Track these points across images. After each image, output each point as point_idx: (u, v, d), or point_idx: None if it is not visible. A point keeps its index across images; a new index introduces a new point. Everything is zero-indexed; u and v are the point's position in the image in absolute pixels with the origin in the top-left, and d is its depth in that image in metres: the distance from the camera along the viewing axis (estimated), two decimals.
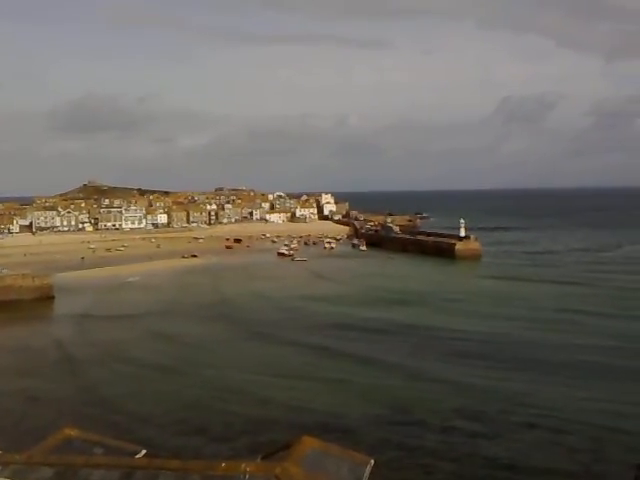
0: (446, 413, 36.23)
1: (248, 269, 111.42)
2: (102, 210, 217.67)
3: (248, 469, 11.35)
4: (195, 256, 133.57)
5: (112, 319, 69.37)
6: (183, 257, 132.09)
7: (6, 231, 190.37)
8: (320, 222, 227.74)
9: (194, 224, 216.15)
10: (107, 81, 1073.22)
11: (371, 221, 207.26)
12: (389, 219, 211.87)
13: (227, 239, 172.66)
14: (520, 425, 34.17)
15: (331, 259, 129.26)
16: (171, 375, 46.12)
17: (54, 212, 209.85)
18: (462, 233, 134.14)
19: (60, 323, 69.29)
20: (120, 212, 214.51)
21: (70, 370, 48.71)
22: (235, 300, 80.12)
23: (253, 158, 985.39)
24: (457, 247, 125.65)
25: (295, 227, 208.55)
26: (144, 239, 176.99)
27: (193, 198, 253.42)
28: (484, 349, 51.26)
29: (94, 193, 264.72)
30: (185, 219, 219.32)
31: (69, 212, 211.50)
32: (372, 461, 12.96)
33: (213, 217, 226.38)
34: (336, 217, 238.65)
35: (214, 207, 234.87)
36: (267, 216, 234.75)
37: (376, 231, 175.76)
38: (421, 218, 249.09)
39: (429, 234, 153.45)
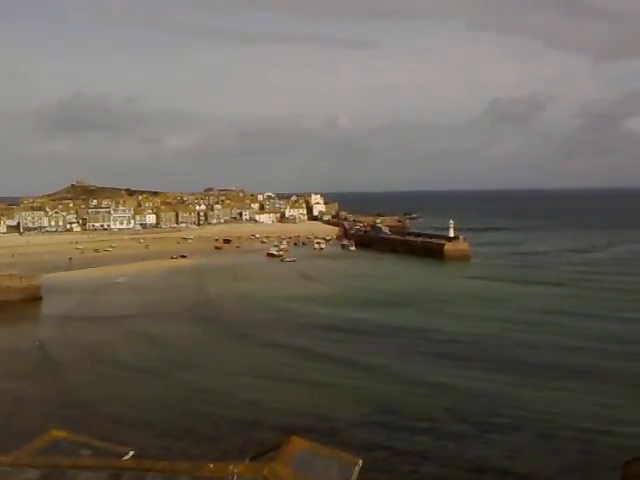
0: (433, 415, 36.18)
1: (236, 270, 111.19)
2: (90, 210, 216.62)
3: (236, 470, 11.33)
4: (184, 257, 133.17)
5: (98, 320, 68.97)
6: (172, 258, 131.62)
7: None
8: (310, 223, 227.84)
9: (183, 224, 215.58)
10: (95, 81, 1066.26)
11: (360, 222, 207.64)
12: (378, 220, 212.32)
13: (216, 240, 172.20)
14: (507, 426, 34.17)
15: (320, 260, 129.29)
16: (152, 377, 45.83)
17: (42, 212, 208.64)
18: (451, 234, 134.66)
19: (47, 324, 68.75)
20: (108, 212, 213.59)
21: (54, 372, 48.29)
22: (220, 301, 79.94)
23: (242, 158, 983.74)
24: (446, 248, 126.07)
25: (284, 228, 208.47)
26: (132, 239, 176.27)
27: (182, 198, 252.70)
28: (469, 350, 51.20)
29: (82, 193, 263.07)
30: (174, 219, 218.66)
31: (57, 212, 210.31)
32: (360, 461, 12.98)
33: (202, 217, 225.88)
34: (326, 218, 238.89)
35: (203, 207, 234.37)
36: (256, 217, 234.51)
37: (365, 232, 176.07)
38: (410, 219, 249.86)
39: (418, 235, 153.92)
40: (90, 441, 15.67)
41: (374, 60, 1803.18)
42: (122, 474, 11.93)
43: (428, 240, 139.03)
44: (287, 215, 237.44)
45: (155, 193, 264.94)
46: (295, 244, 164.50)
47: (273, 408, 37.86)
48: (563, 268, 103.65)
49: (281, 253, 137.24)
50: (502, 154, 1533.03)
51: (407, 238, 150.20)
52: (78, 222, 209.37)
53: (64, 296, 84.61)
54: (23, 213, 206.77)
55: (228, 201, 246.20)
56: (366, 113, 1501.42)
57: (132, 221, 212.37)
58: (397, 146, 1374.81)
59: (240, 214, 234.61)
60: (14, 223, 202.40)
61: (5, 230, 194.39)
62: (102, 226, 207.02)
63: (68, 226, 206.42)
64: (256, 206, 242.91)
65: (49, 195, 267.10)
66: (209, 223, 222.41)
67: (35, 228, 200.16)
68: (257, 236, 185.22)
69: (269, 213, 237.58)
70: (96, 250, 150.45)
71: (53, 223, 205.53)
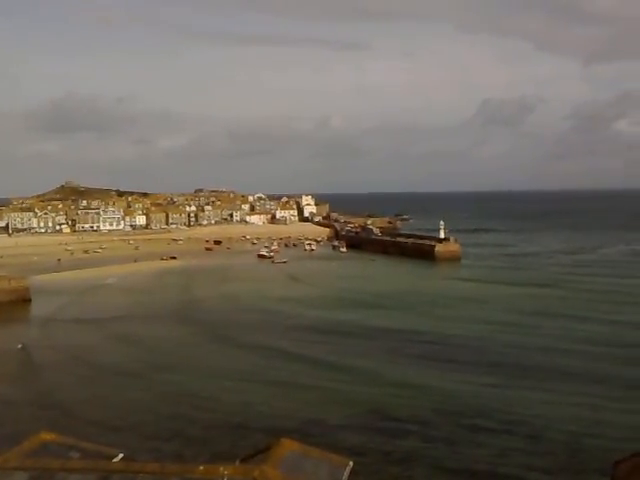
0: (421, 417, 36.07)
1: (226, 271, 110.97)
2: (80, 211, 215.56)
3: (226, 472, 11.32)
4: (174, 258, 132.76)
5: (84, 322, 68.64)
6: (162, 259, 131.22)
7: None
8: (300, 224, 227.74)
9: (173, 226, 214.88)
10: (85, 81, 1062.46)
11: (351, 223, 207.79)
12: (369, 221, 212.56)
13: (207, 241, 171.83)
14: (495, 428, 34.13)
15: (311, 261, 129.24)
16: (135, 380, 45.57)
17: (31, 213, 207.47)
18: (442, 235, 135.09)
19: (33, 326, 68.58)
20: (98, 213, 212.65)
21: (34, 375, 47.97)
22: (209, 303, 79.78)
23: (233, 159, 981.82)
24: (437, 249, 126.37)
25: (275, 229, 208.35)
26: (122, 241, 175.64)
27: (172, 199, 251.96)
28: (457, 352, 51.15)
29: (72, 194, 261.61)
30: (164, 221, 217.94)
31: (46, 213, 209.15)
32: (351, 463, 12.99)
33: (192, 219, 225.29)
34: (316, 219, 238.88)
35: (193, 209, 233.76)
36: (247, 218, 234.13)
37: (356, 233, 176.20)
38: (401, 220, 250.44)
39: (409, 236, 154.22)
40: (79, 443, 15.58)
41: (366, 61, 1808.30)
42: (111, 476, 11.88)
43: (419, 241, 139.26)
44: (278, 216, 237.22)
45: (145, 194, 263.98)
46: (286, 245, 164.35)
47: (258, 411, 37.55)
48: (553, 270, 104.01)
49: (272, 254, 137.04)
50: (493, 156, 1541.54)
51: (398, 239, 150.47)
52: (67, 223, 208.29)
53: (52, 298, 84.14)
54: (12, 214, 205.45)
55: (219, 202, 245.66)
56: (358, 114, 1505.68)
57: (122, 222, 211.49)
58: (388, 147, 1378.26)
59: (231, 215, 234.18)
60: (3, 224, 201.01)
61: None
62: (92, 227, 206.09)
63: (57, 227, 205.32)
64: (247, 207, 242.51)
65: (38, 196, 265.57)
66: (199, 224, 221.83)
67: (24, 229, 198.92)
68: (248, 237, 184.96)
69: (260, 214, 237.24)
70: (86, 251, 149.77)
71: (42, 224, 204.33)
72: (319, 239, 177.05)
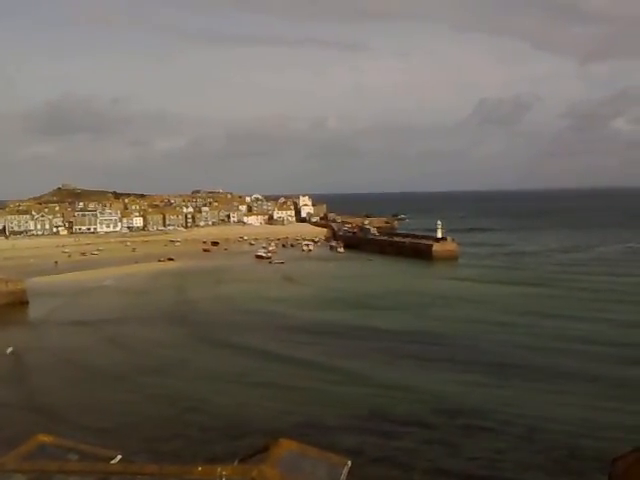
0: (416, 418, 35.91)
1: (223, 273, 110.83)
2: (77, 213, 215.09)
3: (224, 472, 11.30)
4: (172, 259, 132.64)
5: (79, 325, 68.31)
6: (159, 261, 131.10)
7: None
8: (298, 224, 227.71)
9: (170, 227, 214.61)
10: (82, 83, 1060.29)
11: (349, 223, 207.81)
12: (367, 221, 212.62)
13: (204, 242, 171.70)
14: (491, 427, 34.09)
15: (309, 261, 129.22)
16: (123, 382, 45.32)
17: (28, 216, 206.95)
18: (439, 234, 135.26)
19: (28, 329, 68.51)
20: (95, 215, 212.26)
21: (23, 378, 47.71)
22: (203, 304, 79.39)
23: (231, 160, 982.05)
24: (434, 248, 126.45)
25: (273, 229, 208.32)
26: (119, 243, 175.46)
27: (169, 201, 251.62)
28: (452, 352, 50.78)
29: (68, 196, 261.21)
30: (161, 222, 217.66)
31: (43, 216, 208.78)
32: (349, 462, 12.97)
33: (190, 220, 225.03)
34: (314, 219, 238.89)
35: (191, 210, 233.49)
36: (244, 219, 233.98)
37: (354, 233, 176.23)
38: (399, 220, 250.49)
39: (406, 235, 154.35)
40: (77, 445, 15.55)
41: (362, 62, 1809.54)
42: (109, 478, 11.86)
43: (416, 241, 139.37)
44: (275, 217, 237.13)
45: (142, 196, 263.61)
46: (283, 246, 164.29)
47: (252, 413, 37.33)
48: (550, 269, 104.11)
49: (269, 255, 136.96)
50: (489, 155, 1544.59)
51: (395, 239, 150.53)
52: (64, 225, 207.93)
53: (49, 300, 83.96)
54: (9, 217, 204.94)
55: (216, 203, 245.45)
56: (354, 114, 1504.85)
57: (119, 224, 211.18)
58: (385, 147, 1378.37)
59: (228, 216, 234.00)
60: (0, 227, 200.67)
61: None
62: (89, 229, 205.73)
63: (54, 229, 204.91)
64: (244, 208, 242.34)
65: (35, 198, 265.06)
66: (197, 225, 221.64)
67: (21, 232, 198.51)
68: (245, 238, 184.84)
69: (257, 215, 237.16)
70: (83, 253, 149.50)
71: (39, 226, 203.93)
72: (316, 239, 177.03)
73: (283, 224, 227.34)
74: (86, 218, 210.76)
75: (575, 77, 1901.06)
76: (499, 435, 33.00)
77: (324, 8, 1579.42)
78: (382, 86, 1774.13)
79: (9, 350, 55.88)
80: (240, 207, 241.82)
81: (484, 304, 73.55)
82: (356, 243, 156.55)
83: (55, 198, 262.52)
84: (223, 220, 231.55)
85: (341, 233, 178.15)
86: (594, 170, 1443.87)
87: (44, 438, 15.27)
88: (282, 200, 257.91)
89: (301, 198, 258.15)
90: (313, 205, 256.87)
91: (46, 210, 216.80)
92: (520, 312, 67.77)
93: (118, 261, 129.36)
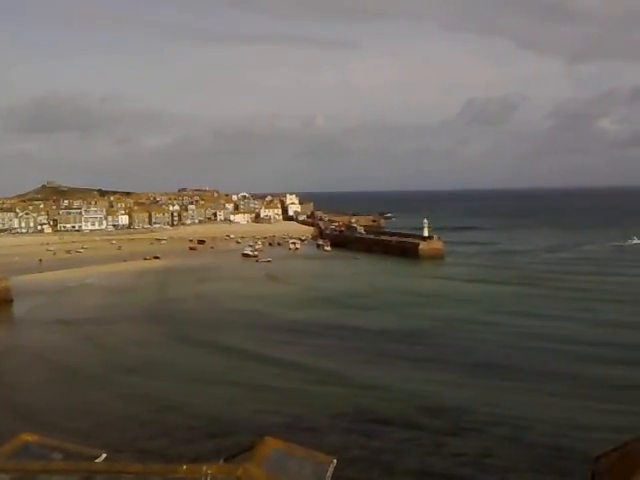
0: (403, 417, 35.88)
1: (209, 271, 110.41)
2: (61, 211, 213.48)
3: (209, 471, 11.25)
4: (157, 258, 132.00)
5: (58, 323, 67.57)
6: (145, 259, 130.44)
7: None
8: (285, 223, 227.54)
9: (156, 225, 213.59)
10: (68, 80, 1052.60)
11: (336, 221, 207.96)
12: (354, 219, 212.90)
13: (190, 240, 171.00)
14: (474, 426, 34.10)
15: (295, 260, 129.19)
16: (97, 382, 45.00)
17: (12, 214, 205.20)
18: (425, 233, 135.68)
19: (14, 327, 68.60)
20: (80, 213, 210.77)
21: (9, 377, 47.39)
22: (185, 304, 78.73)
23: (218, 158, 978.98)
24: (421, 247, 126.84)
25: (260, 228, 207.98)
26: (105, 241, 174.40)
27: (155, 199, 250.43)
28: (433, 352, 50.65)
29: (53, 194, 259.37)
30: (147, 220, 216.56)
31: (27, 213, 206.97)
32: (334, 460, 12.97)
33: (176, 218, 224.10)
34: (301, 218, 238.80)
35: (177, 208, 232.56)
36: (231, 217, 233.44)
37: (341, 231, 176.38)
38: (385, 218, 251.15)
39: (393, 234, 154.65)
40: (62, 444, 15.42)
41: (351, 60, 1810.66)
42: (93, 477, 11.77)
43: (403, 239, 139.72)
44: (262, 215, 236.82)
45: (127, 193, 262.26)
46: (270, 244, 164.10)
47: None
48: (537, 267, 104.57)
49: (256, 253, 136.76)
50: (477, 154, 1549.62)
51: (382, 238, 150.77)
52: (49, 223, 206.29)
53: (32, 298, 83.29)
54: None
55: (202, 201, 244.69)
56: (343, 113, 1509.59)
57: (104, 222, 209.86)
58: (373, 146, 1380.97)
59: (215, 214, 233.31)
60: None
61: None
62: (74, 227, 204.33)
63: (39, 227, 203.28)
64: (231, 206, 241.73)
65: (19, 196, 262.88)
66: (183, 224, 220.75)
67: (5, 229, 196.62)
68: (232, 236, 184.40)
69: (244, 213, 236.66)
70: (68, 251, 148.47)
71: (24, 224, 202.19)
72: (303, 238, 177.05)
73: (270, 222, 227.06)
74: (71, 216, 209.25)
75: (562, 77, 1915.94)
76: (482, 435, 33.01)
77: (313, 7, 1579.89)
78: (371, 85, 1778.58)
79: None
80: (227, 205, 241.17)
81: (469, 303, 73.52)
82: (343, 242, 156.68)
83: (40, 196, 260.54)
84: (210, 218, 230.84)
85: (328, 232, 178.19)
86: (581, 169, 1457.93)
87: (28, 437, 15.13)
88: (269, 198, 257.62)
89: (288, 196, 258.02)
90: (300, 203, 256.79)
91: (31, 208, 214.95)
92: (505, 311, 67.72)
93: (103, 259, 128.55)
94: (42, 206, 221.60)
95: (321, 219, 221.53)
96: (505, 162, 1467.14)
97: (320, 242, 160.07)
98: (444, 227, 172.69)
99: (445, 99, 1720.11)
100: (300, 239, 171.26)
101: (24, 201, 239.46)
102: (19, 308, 78.40)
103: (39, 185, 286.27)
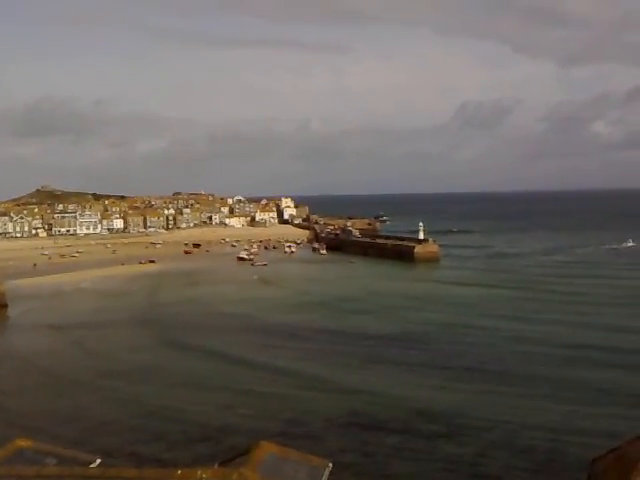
0: (399, 420, 35.78)
1: (203, 275, 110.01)
2: (56, 215, 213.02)
3: (204, 475, 11.23)
4: (153, 261, 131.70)
5: (51, 328, 67.12)
6: (140, 263, 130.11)
7: None
8: (280, 226, 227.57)
9: (151, 229, 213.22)
10: (62, 84, 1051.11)
11: (331, 225, 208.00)
12: (349, 223, 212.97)
13: (186, 244, 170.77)
14: (467, 431, 33.94)
15: (291, 263, 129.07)
16: (85, 387, 44.69)
17: (6, 218, 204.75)
18: (421, 236, 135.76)
19: (7, 332, 68.10)
20: (74, 217, 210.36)
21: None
22: (178, 308, 77.97)
23: (213, 162, 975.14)
24: (416, 250, 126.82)
25: (255, 231, 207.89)
26: (99, 245, 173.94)
27: (150, 203, 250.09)
28: (427, 357, 50.33)
29: (48, 198, 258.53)
30: (142, 224, 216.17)
31: (22, 218, 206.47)
32: (330, 464, 12.96)
33: (171, 222, 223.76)
34: (296, 221, 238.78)
35: (172, 212, 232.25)
36: (226, 220, 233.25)
37: (336, 235, 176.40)
38: (381, 222, 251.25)
39: (388, 237, 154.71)
40: (56, 450, 15.36)
41: (346, 64, 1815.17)
42: None
43: (398, 243, 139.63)
44: (257, 219, 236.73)
45: (122, 197, 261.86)
46: (265, 248, 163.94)
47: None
48: (532, 271, 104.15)
49: (252, 257, 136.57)
50: (471, 157, 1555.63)
51: (377, 241, 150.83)
52: (44, 227, 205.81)
53: (25, 303, 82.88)
54: None
55: (197, 205, 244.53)
56: (338, 116, 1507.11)
57: (99, 226, 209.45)
58: (368, 149, 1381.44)
59: (210, 218, 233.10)
60: None
61: None
62: (68, 231, 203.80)
63: (33, 231, 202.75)
64: (226, 210, 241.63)
65: (14, 200, 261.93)
66: (178, 227, 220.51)
67: None
68: (227, 240, 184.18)
69: (239, 217, 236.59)
70: (62, 256, 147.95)
71: (18, 228, 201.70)
72: (299, 241, 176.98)
73: (265, 226, 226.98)
74: (66, 220, 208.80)
75: (555, 80, 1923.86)
76: (476, 439, 32.86)
77: (308, 10, 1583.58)
78: (365, 88, 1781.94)
79: None
80: (222, 209, 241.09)
81: (464, 307, 72.96)
82: (338, 245, 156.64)
83: (34, 200, 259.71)
84: (205, 222, 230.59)
85: (323, 235, 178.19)
86: (575, 172, 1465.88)
87: (22, 442, 15.06)
88: (264, 202, 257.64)
89: (283, 200, 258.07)
90: (295, 207, 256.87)
91: (25, 212, 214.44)
92: (500, 315, 67.22)
93: (98, 263, 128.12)
94: (36, 210, 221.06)
95: (317, 222, 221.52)
96: (499, 165, 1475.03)
97: (316, 245, 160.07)
98: (440, 230, 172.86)
99: (439, 103, 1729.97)
100: (296, 242, 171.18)
101: (18, 205, 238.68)
102: (13, 313, 78.09)
103: (33, 189, 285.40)
